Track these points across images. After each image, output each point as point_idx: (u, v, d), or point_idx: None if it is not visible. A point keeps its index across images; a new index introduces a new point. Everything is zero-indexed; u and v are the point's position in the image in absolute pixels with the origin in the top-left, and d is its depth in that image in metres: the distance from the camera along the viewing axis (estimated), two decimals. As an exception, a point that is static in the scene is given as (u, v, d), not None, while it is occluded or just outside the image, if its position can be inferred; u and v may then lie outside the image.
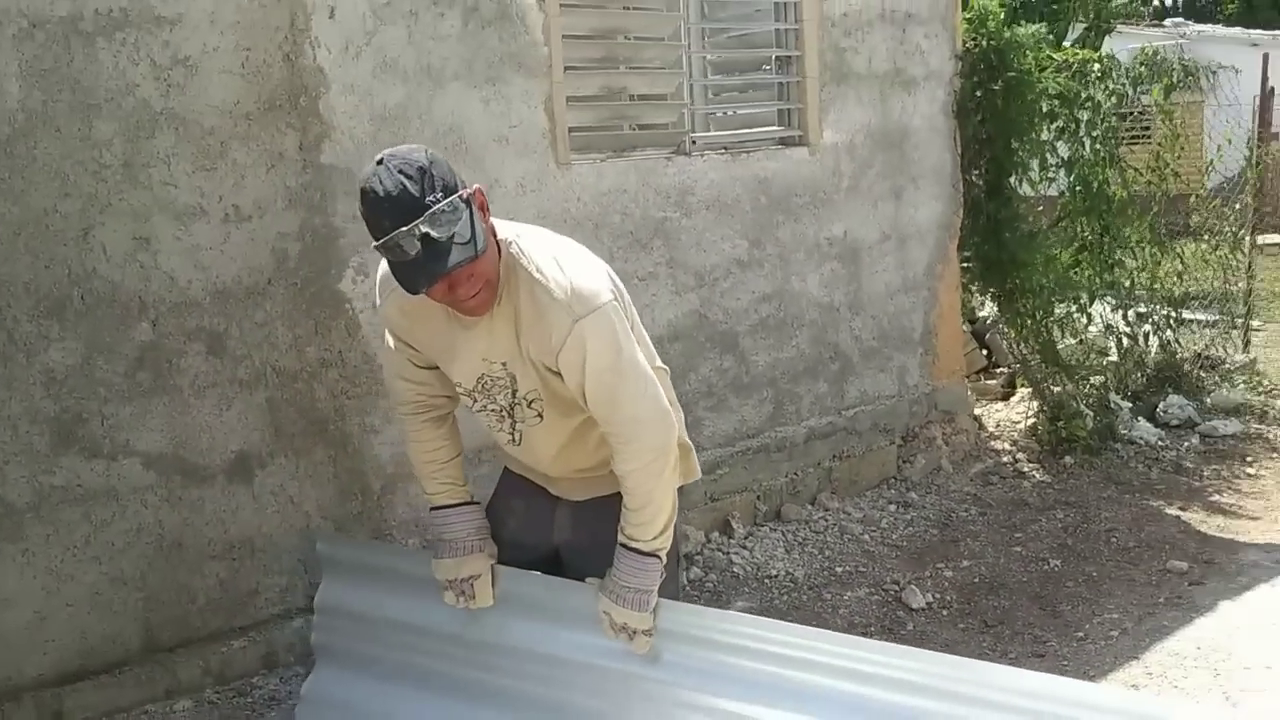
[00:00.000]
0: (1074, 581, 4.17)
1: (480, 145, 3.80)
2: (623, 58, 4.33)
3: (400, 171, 1.95)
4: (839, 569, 4.28)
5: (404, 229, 1.92)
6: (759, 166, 4.64)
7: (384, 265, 2.22)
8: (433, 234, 1.92)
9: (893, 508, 4.90)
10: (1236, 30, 17.19)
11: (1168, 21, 18.51)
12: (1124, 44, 11.20)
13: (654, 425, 2.18)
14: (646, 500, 2.19)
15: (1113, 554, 4.40)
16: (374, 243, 1.99)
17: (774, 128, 4.79)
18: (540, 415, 2.26)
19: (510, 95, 3.86)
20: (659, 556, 2.23)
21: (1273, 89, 8.32)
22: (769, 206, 4.68)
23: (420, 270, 1.96)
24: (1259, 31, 16.84)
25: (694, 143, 4.46)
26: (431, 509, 2.49)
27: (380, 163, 1.98)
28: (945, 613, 3.96)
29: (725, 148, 4.57)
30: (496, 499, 2.64)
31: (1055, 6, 8.79)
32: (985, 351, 6.68)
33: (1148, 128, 7.79)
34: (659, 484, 2.19)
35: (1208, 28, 17.07)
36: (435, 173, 1.98)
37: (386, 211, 1.94)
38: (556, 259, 2.14)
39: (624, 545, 2.23)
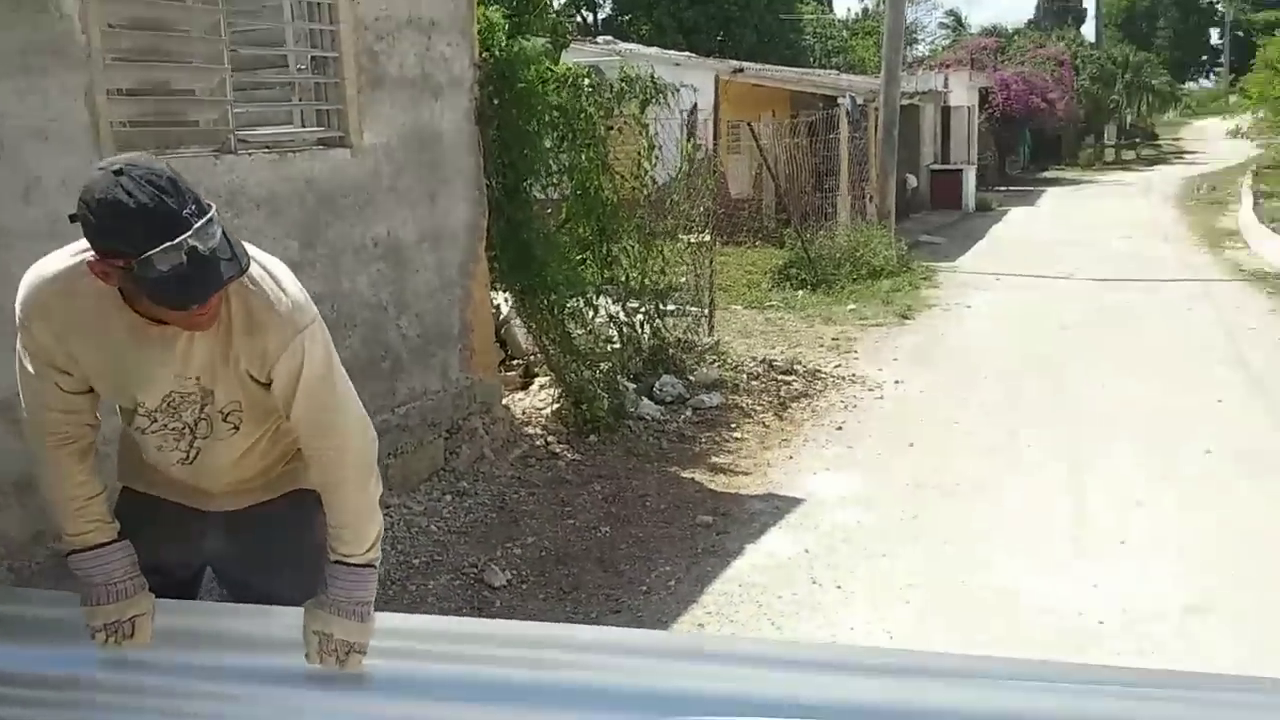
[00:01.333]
0: (626, 544, 4.67)
1: (16, 139, 3.43)
2: (165, 51, 4.09)
3: (150, 183, 1.81)
4: (416, 560, 4.42)
5: (169, 244, 1.79)
6: (306, 167, 4.61)
7: (28, 286, 2.03)
8: (200, 249, 1.81)
9: (449, 497, 5.11)
10: (656, 50, 19.41)
11: (600, 39, 20.37)
12: (571, 58, 12.26)
13: (361, 436, 2.21)
14: (356, 513, 2.21)
15: (650, 516, 4.99)
16: (118, 258, 1.84)
17: (316, 129, 4.78)
18: (236, 427, 2.18)
19: (48, 87, 3.51)
20: (374, 567, 2.26)
21: (695, 104, 9.69)
22: (317, 207, 4.66)
23: (191, 286, 1.84)
24: (674, 52, 19.21)
25: (240, 141, 4.32)
26: (75, 551, 2.28)
27: (120, 173, 1.82)
28: (525, 586, 4.26)
29: (269, 147, 4.47)
30: (123, 525, 2.47)
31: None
32: (501, 344, 7.10)
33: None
34: (365, 496, 2.22)
35: (635, 46, 19.05)
36: (183, 185, 1.87)
37: (143, 225, 1.79)
38: (267, 270, 2.09)
39: (338, 562, 2.22)
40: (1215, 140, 37.92)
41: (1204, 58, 67.20)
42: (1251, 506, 5.00)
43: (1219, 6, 47.77)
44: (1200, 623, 3.87)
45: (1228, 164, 27.40)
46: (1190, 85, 61.61)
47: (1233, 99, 36.78)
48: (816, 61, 30.83)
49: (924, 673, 2.37)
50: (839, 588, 4.21)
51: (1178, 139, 43.99)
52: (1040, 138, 31.50)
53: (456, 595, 4.15)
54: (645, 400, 6.59)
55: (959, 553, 4.54)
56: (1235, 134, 20.89)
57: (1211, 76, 65.76)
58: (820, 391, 7.15)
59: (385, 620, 2.35)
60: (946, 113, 22.87)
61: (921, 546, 4.62)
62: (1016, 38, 36.76)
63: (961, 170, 21.69)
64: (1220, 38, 57.54)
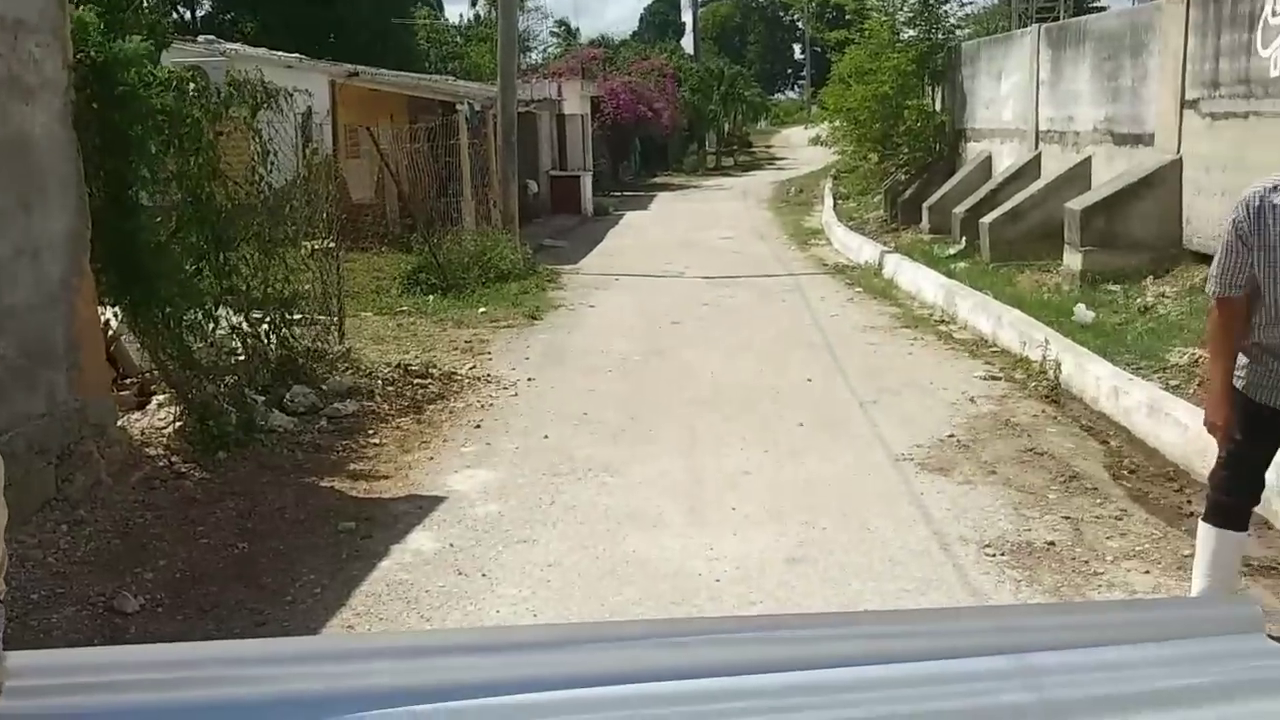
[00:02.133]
0: (266, 557, 4.60)
1: None
2: None
3: None
4: (35, 595, 4.13)
5: None
6: None
7: None
8: None
9: (65, 527, 4.79)
10: (265, 51, 18.71)
11: (201, 38, 19.32)
12: (172, 58, 11.62)
13: None
14: None
15: (290, 528, 4.93)
16: None
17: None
18: None
19: None
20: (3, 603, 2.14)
21: (310, 108, 9.57)
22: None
23: None
24: (285, 54, 18.60)
25: None
26: None
27: None
28: (160, 610, 4.10)
29: None
30: None
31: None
32: (112, 362, 6.66)
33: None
34: None
35: (241, 47, 18.26)
36: None
37: None
38: None
39: None
40: (801, 147, 41.88)
41: (789, 71, 73.85)
42: (834, 469, 5.71)
43: (800, 24, 52.76)
44: (798, 573, 4.40)
45: (813, 169, 30.43)
46: (779, 96, 67.47)
47: (814, 109, 40.76)
48: (432, 67, 30.91)
49: (573, 642, 2.58)
50: (484, 575, 4.39)
51: (770, 146, 48.11)
52: (650, 145, 33.44)
53: (85, 626, 3.93)
54: (276, 412, 6.45)
55: (594, 531, 4.86)
56: (815, 141, 23.19)
57: (796, 88, 72.33)
58: (457, 393, 7.31)
59: (12, 659, 2.24)
60: (562, 120, 23.74)
61: (559, 529, 4.90)
62: (623, 49, 38.72)
63: (579, 176, 22.61)
64: (803, 53, 63.38)
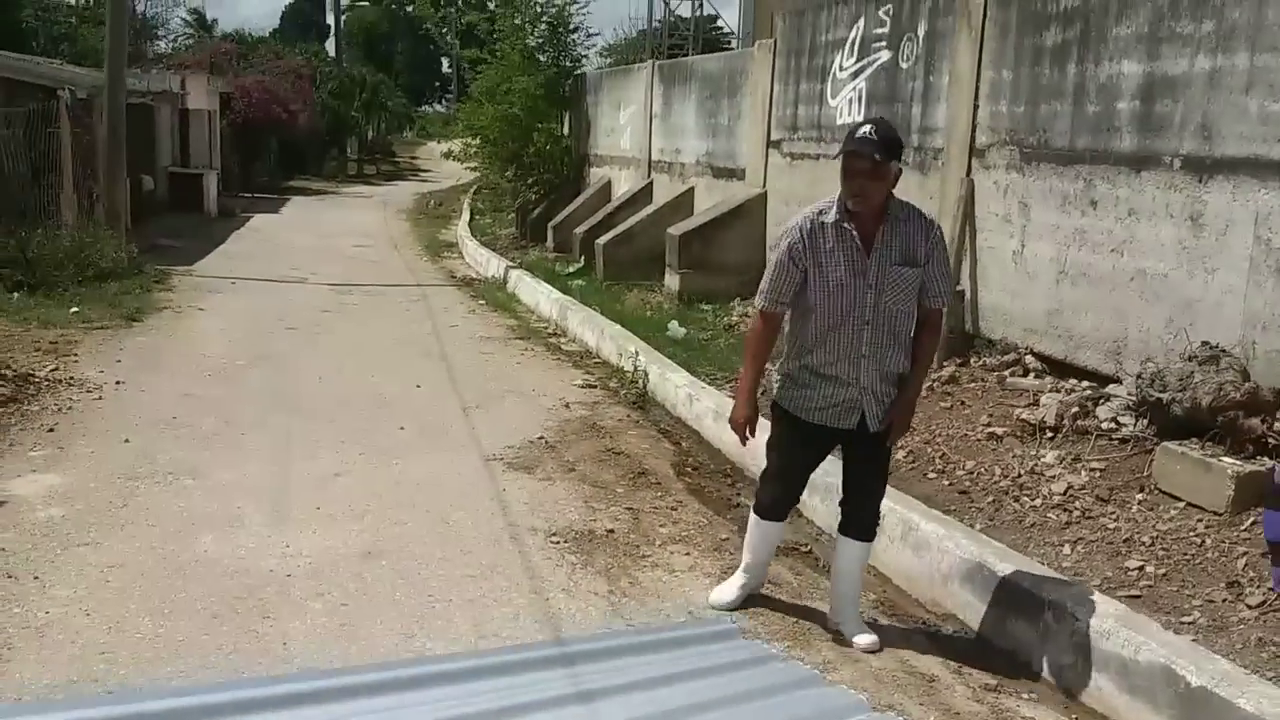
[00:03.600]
0: None
1: None
2: None
3: None
4: None
5: None
6: None
7: None
8: None
9: None
10: None
11: None
12: None
13: None
14: None
15: None
16: None
17: None
18: None
19: None
20: None
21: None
22: None
23: None
24: None
25: None
26: None
27: None
28: None
29: None
30: None
31: None
32: None
33: None
34: None
35: None
36: None
37: None
38: None
39: None
40: (446, 161, 42.06)
41: (438, 84, 73.69)
42: (427, 470, 5.92)
43: (438, 39, 52.89)
44: (372, 566, 4.56)
45: (456, 183, 30.66)
46: (427, 108, 67.14)
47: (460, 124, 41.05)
48: (41, 48, 28.27)
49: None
50: (36, 578, 4.21)
51: (415, 158, 47.82)
52: (289, 147, 32.29)
53: None
54: None
55: (165, 533, 4.78)
56: (448, 156, 23.42)
57: (444, 102, 72.36)
58: (32, 395, 6.85)
59: None
60: (185, 115, 22.51)
61: (128, 531, 4.77)
62: (260, 46, 37.19)
63: (203, 175, 21.53)
64: (450, 66, 63.57)
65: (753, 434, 4.21)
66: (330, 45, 49.27)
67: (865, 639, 4.07)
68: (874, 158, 3.73)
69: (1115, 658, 3.53)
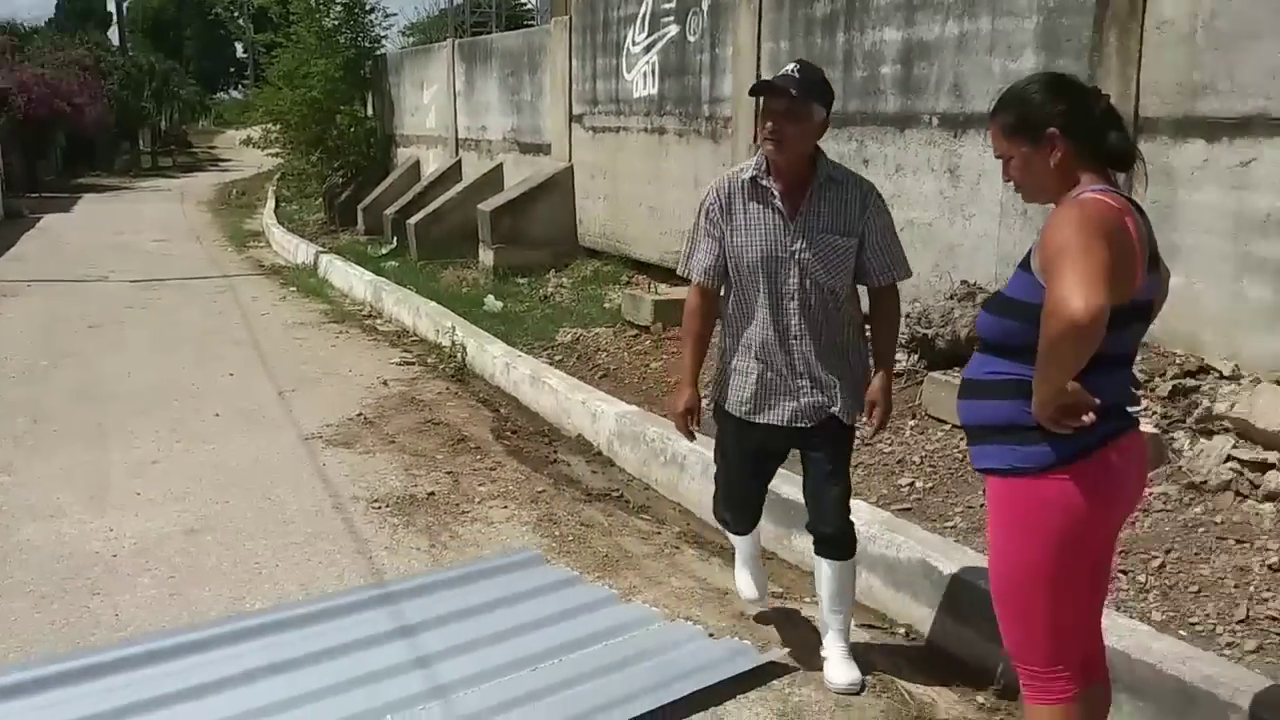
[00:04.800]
0: None
1: None
2: None
3: None
4: None
5: None
6: None
7: None
8: None
9: None
10: None
11: None
12: None
13: None
14: None
15: None
16: None
17: None
18: None
19: None
20: None
21: None
22: None
23: None
24: None
25: None
26: None
27: None
28: None
29: None
30: None
31: None
32: None
33: None
34: None
35: None
36: None
37: None
38: None
39: None
40: (246, 149, 40.79)
41: (232, 70, 70.93)
42: (245, 452, 6.00)
43: (241, 21, 50.98)
44: (197, 541, 4.67)
45: (258, 170, 29.81)
46: (222, 96, 64.60)
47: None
48: None
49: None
50: None
51: (213, 147, 46.19)
52: (77, 143, 30.74)
53: None
54: None
55: (-22, 530, 4.77)
56: (248, 143, 22.84)
57: (241, 88, 69.75)
58: None
59: None
60: (-42, 112, 21.21)
61: (-61, 532, 4.73)
62: (35, 37, 35.15)
63: (-16, 174, 20.37)
64: (245, 52, 61.31)
65: (697, 424, 3.59)
66: (114, 34, 46.91)
67: (842, 678, 3.51)
68: (789, 93, 3.19)
69: (882, 558, 4.01)
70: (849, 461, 3.58)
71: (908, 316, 6.15)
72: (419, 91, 16.24)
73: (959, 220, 6.44)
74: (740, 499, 3.72)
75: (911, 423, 5.49)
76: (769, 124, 3.25)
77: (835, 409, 3.43)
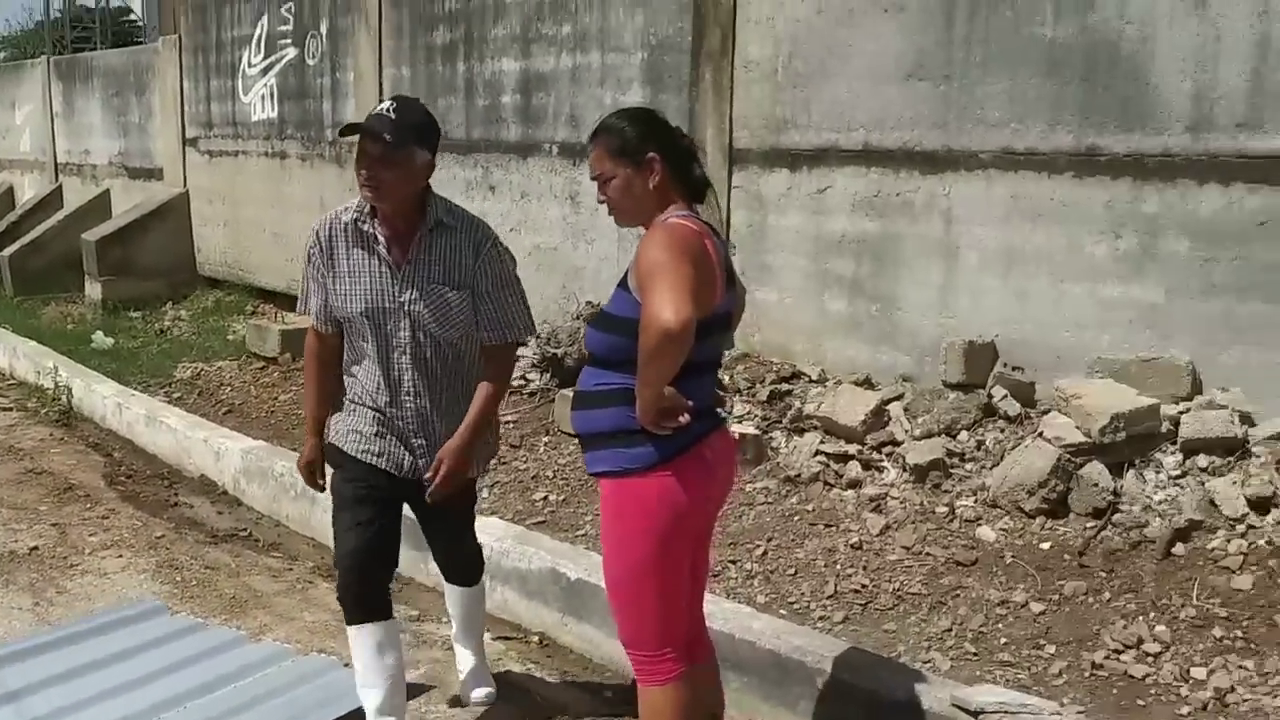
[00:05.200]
0: None
1: None
2: None
3: None
4: None
5: None
6: None
7: None
8: None
9: None
10: None
11: None
12: None
13: None
14: None
15: None
16: None
17: None
18: None
19: None
20: None
21: None
22: None
23: None
24: None
25: None
26: None
27: None
28: None
29: None
30: None
31: None
32: None
33: None
34: None
35: None
36: None
37: None
38: None
39: None
40: None
41: None
42: None
43: None
44: None
45: None
46: None
47: None
48: None
49: None
50: None
51: None
52: None
53: None
54: None
55: None
56: None
57: None
58: None
59: None
60: None
61: None
62: None
63: None
64: None
65: (321, 477, 3.28)
66: None
67: (477, 692, 3.53)
68: (384, 139, 2.90)
69: (515, 571, 4.13)
70: (472, 513, 3.42)
71: (539, 338, 6.37)
72: (10, 112, 14.77)
73: (582, 244, 6.74)
74: (357, 558, 3.09)
75: (545, 439, 5.68)
76: (363, 170, 2.95)
77: (429, 475, 3.09)
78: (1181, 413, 4.01)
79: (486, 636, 3.75)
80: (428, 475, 3.08)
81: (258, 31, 9.60)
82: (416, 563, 4.54)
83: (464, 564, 3.47)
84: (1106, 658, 3.29)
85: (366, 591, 3.12)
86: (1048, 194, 4.55)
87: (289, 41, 9.21)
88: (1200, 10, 4.09)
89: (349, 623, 3.15)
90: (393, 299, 3.05)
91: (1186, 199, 4.17)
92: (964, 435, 4.46)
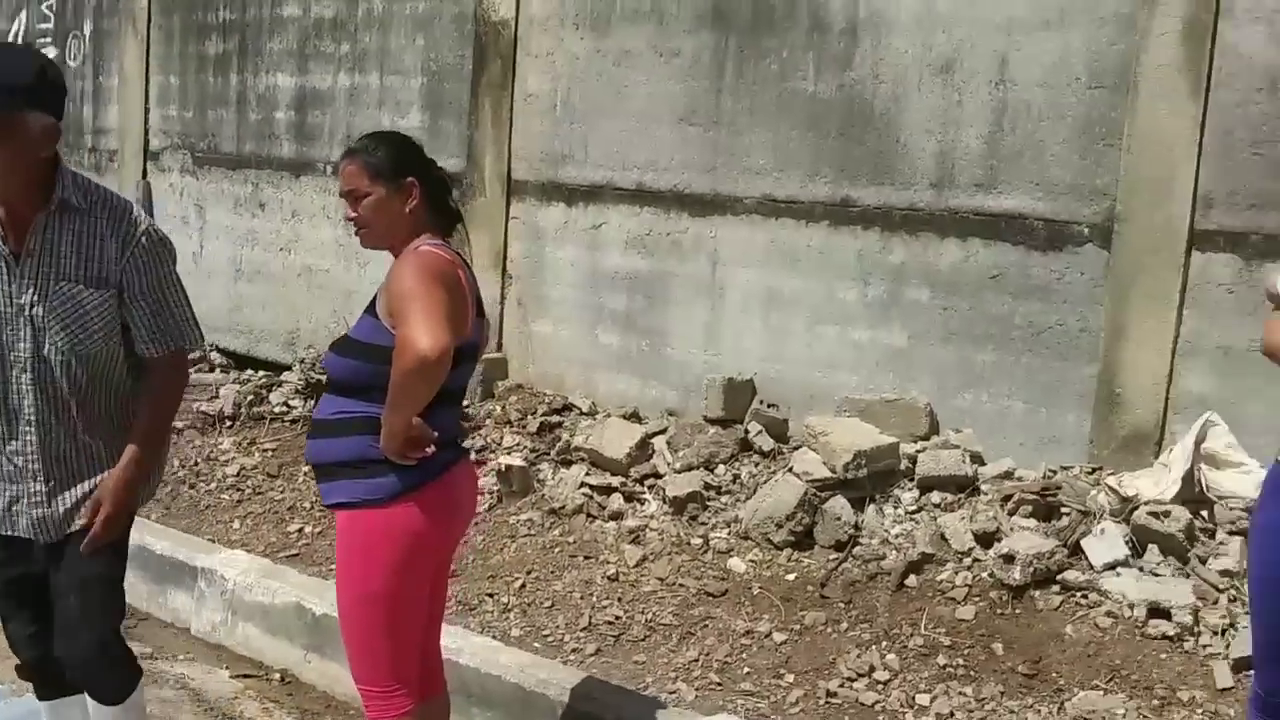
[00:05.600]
0: None
1: None
2: None
3: None
4: None
5: None
6: None
7: None
8: None
9: None
10: None
11: None
12: None
13: None
14: None
15: None
16: None
17: None
18: None
19: None
20: None
21: None
22: None
23: None
24: None
25: None
26: None
27: None
28: None
29: None
30: None
31: None
32: None
33: None
34: None
35: None
36: None
37: None
38: None
39: None
40: None
41: None
42: None
43: None
44: None
45: None
46: None
47: None
48: None
49: None
50: None
51: None
52: None
53: None
54: None
55: None
56: None
57: None
58: None
59: None
60: None
61: None
62: None
63: None
64: None
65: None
66: None
67: None
68: None
69: (259, 606, 3.95)
70: (118, 580, 2.67)
71: (303, 362, 6.16)
72: None
73: (354, 267, 6.57)
74: (14, 634, 2.69)
75: (305, 469, 5.48)
76: None
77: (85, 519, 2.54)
78: (919, 451, 4.24)
79: (224, 674, 3.57)
80: (81, 522, 2.53)
81: (15, 27, 8.97)
82: (155, 596, 4.29)
83: (89, 664, 2.61)
84: (840, 685, 3.42)
85: (36, 673, 2.77)
86: (805, 240, 4.75)
87: (49, 40, 8.65)
88: (946, 75, 4.38)
89: (38, 698, 2.84)
90: (11, 300, 2.46)
91: (929, 251, 4.44)
92: (721, 469, 4.58)
